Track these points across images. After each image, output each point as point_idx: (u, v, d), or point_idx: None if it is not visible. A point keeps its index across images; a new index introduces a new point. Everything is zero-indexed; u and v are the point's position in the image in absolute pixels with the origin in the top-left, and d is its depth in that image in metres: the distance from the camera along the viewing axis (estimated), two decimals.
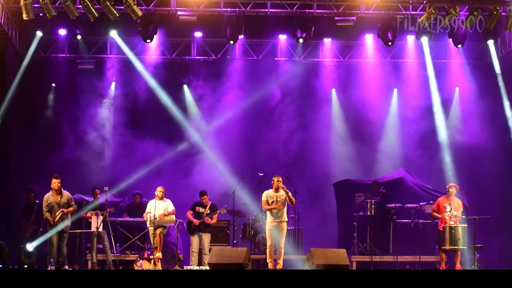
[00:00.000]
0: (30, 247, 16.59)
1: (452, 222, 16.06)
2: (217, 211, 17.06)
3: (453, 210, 16.15)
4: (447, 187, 16.55)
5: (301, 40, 18.31)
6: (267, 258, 15.40)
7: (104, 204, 16.91)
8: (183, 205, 17.64)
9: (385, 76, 20.81)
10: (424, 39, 18.46)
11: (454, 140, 20.31)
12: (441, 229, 16.14)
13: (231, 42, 18.40)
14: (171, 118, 20.75)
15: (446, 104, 20.63)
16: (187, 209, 17.35)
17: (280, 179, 15.50)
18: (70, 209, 16.22)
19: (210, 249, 16.54)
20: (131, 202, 19.00)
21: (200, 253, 17.15)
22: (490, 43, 18.93)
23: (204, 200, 17.26)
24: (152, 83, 20.34)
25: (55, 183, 16.09)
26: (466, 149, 20.17)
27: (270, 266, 15.32)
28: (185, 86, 20.85)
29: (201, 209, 17.24)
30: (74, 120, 20.22)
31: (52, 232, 15.96)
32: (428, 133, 20.56)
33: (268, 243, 15.40)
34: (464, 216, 16.42)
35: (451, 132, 20.39)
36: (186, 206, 17.50)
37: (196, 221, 17.08)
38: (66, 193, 16.28)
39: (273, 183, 15.48)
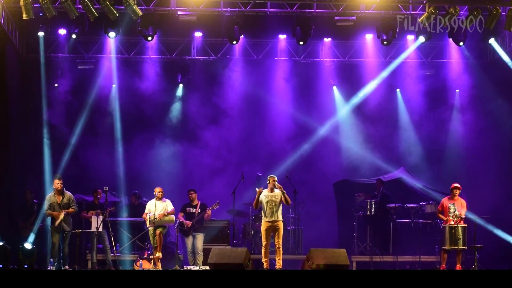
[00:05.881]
0: (28, 245, 16.56)
1: (452, 222, 16.05)
2: (210, 207, 17.02)
3: (456, 211, 16.16)
4: (451, 187, 16.51)
5: (301, 42, 18.30)
6: (263, 258, 15.36)
7: (104, 204, 16.91)
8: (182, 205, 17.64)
9: (385, 76, 20.76)
10: (421, 39, 18.38)
11: (455, 139, 20.29)
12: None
13: (234, 42, 18.36)
14: (170, 118, 20.78)
15: (446, 104, 20.64)
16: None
17: (276, 178, 15.43)
18: (70, 210, 16.22)
19: (212, 250, 16.46)
20: (130, 202, 19.00)
21: (194, 252, 17.14)
22: (493, 41, 18.89)
23: (191, 197, 17.25)
24: (152, 82, 20.34)
25: (58, 183, 16.11)
26: (467, 148, 20.17)
27: (265, 266, 15.27)
28: (185, 86, 20.83)
29: (192, 209, 17.25)
30: (73, 119, 20.19)
31: (53, 232, 16.02)
32: (429, 133, 20.54)
33: (263, 243, 15.35)
34: (465, 216, 16.41)
35: (451, 132, 20.38)
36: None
37: (189, 223, 17.06)
38: (68, 194, 16.29)
39: (269, 183, 15.43)
